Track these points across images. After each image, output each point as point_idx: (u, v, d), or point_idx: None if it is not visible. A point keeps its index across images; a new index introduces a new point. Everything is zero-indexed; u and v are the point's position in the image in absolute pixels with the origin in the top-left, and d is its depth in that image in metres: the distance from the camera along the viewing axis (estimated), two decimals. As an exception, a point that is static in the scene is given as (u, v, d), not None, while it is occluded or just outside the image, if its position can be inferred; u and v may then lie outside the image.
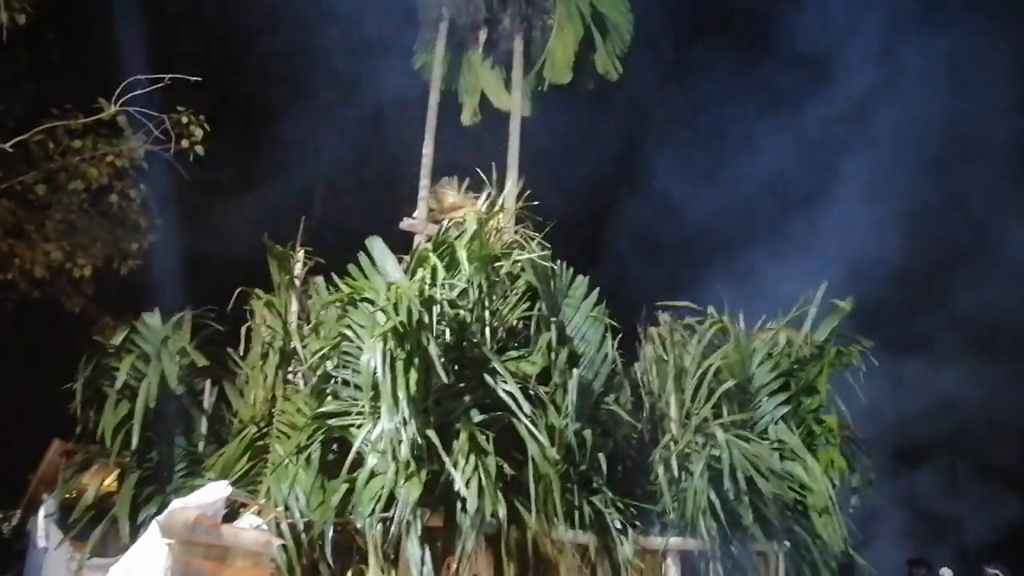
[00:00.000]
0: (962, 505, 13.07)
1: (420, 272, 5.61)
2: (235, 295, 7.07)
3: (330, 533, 5.49)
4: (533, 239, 6.78)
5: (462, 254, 5.67)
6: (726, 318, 7.65)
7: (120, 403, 7.14)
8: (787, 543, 7.26)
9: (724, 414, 7.25)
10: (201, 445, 7.40)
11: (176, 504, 2.87)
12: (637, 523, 6.42)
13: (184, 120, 8.77)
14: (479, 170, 6.59)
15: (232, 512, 4.07)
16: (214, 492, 3.13)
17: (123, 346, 7.65)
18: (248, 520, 3.92)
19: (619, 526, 6.20)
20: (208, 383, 7.65)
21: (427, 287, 5.43)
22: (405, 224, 7.44)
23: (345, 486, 5.56)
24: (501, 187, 7.22)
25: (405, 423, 5.09)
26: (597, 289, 7.11)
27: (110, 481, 7.69)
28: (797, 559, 7.31)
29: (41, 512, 9.54)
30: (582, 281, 7.07)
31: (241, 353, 7.34)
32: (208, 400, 7.63)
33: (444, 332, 5.65)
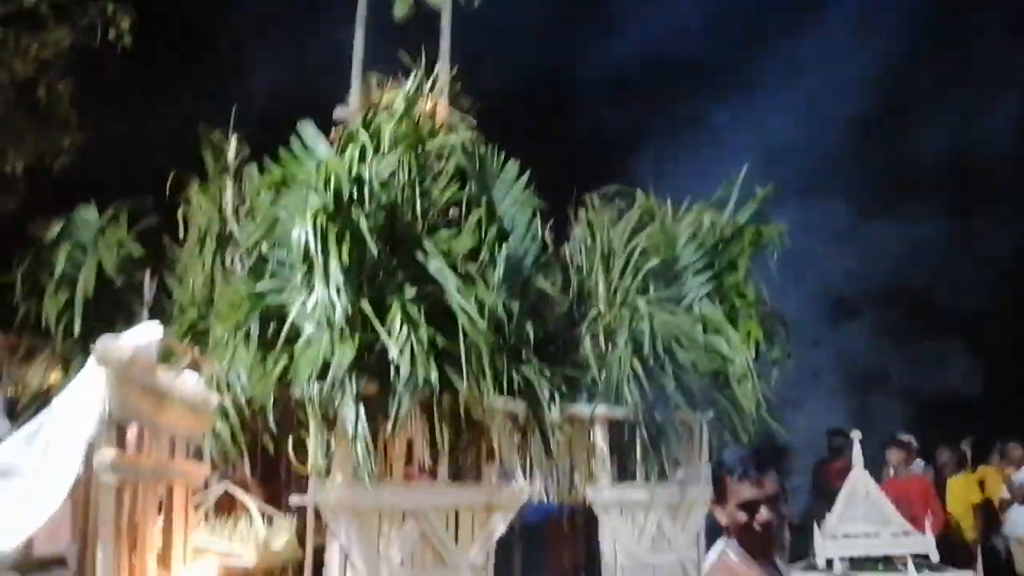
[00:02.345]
0: (898, 367, 13.52)
1: (349, 150, 5.75)
2: (169, 181, 7.17)
3: (270, 403, 5.74)
4: (463, 122, 6.93)
5: (388, 134, 5.82)
6: (652, 200, 7.96)
7: (59, 291, 7.28)
8: (710, 412, 7.75)
9: (651, 291, 7.63)
10: (168, 342, 7.59)
11: (108, 337, 3.08)
12: (565, 391, 6.78)
13: (110, 10, 8.64)
14: (406, 53, 6.66)
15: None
16: (146, 332, 3.33)
17: (59, 238, 7.74)
18: (188, 376, 4.15)
19: (548, 395, 6.55)
20: (148, 274, 7.79)
21: (355, 164, 5.59)
22: (338, 113, 7.51)
23: (284, 358, 5.79)
24: (433, 73, 7.29)
25: (338, 292, 5.31)
26: (528, 172, 7.31)
27: (56, 374, 7.84)
28: (718, 426, 7.82)
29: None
30: (513, 165, 7.25)
31: (180, 241, 7.49)
32: (149, 291, 7.78)
33: (374, 210, 5.82)
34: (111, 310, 7.61)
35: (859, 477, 8.02)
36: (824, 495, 10.23)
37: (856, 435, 8.18)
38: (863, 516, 7.79)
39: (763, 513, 2.66)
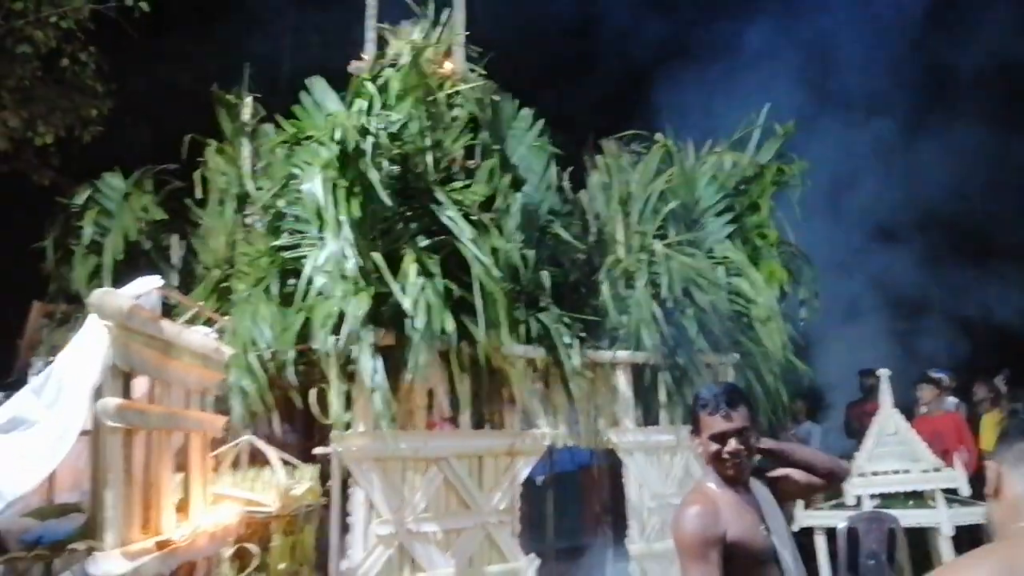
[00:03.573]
0: (945, 297, 12.90)
1: (356, 103, 5.77)
2: (185, 144, 7.25)
3: (291, 356, 5.85)
4: (475, 71, 6.89)
5: (395, 84, 5.82)
6: (671, 142, 7.88)
7: (88, 257, 7.45)
8: (735, 355, 7.72)
9: (671, 235, 7.59)
10: (169, 293, 7.75)
11: (105, 290, 3.17)
12: (585, 337, 6.81)
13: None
14: (411, 3, 6.61)
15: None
16: (144, 284, 3.43)
17: (86, 205, 7.89)
18: (197, 329, 4.25)
19: (567, 341, 6.58)
20: (176, 238, 7.93)
21: (363, 117, 5.60)
22: (354, 67, 7.51)
23: (303, 313, 5.88)
24: (441, 20, 7.21)
25: (350, 245, 5.37)
26: (543, 120, 7.27)
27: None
28: (743, 367, 7.79)
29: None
30: (526, 112, 7.22)
31: (200, 203, 7.60)
32: (177, 254, 7.93)
33: (384, 162, 5.85)
34: (140, 273, 7.76)
35: (888, 415, 7.93)
36: (856, 436, 10.16)
37: (884, 373, 8.08)
38: (892, 454, 7.74)
39: (732, 444, 2.77)
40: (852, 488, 7.59)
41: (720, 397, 2.81)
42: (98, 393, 3.12)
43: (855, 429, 10.44)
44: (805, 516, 7.48)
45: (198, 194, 7.69)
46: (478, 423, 6.41)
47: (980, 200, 13.00)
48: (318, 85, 6.41)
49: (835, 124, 10.24)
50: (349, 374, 5.77)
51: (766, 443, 3.04)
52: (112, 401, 3.02)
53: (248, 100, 7.31)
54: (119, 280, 7.45)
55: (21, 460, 3.03)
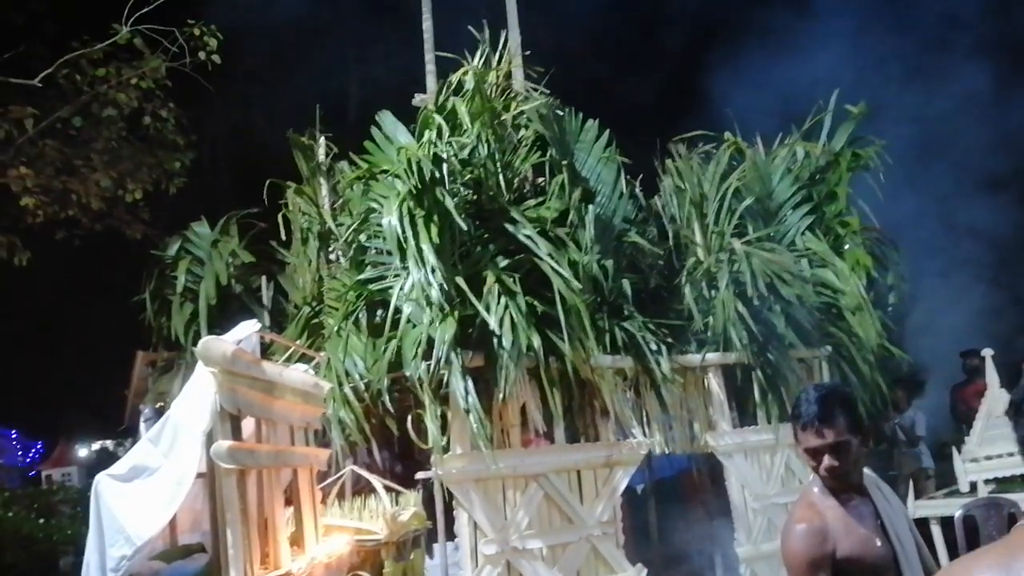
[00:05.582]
0: None
1: (426, 134, 5.90)
2: (265, 188, 7.50)
3: (385, 384, 5.98)
4: (536, 89, 6.96)
5: (462, 111, 5.93)
6: (739, 139, 7.80)
7: (184, 304, 7.76)
8: (828, 348, 7.57)
9: (750, 232, 7.50)
10: (266, 335, 8.01)
11: (209, 338, 3.32)
12: (672, 342, 6.78)
13: (196, 32, 9.11)
14: (471, 28, 6.71)
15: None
16: (245, 329, 3.58)
17: (179, 255, 8.23)
18: (296, 366, 4.41)
19: (654, 347, 6.57)
20: (264, 279, 8.20)
21: (432, 147, 5.72)
22: (418, 100, 7.65)
23: (393, 342, 6.02)
24: (499, 43, 7.29)
25: (432, 272, 5.48)
26: (607, 130, 7.29)
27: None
28: (837, 359, 7.63)
29: (141, 425, 10.41)
30: (592, 124, 7.25)
31: (284, 243, 7.85)
32: (267, 295, 8.20)
33: (459, 188, 5.97)
34: (233, 317, 8.06)
35: (996, 396, 7.63)
36: (963, 419, 9.81)
37: (988, 353, 7.80)
38: (1004, 436, 7.43)
39: (826, 460, 2.64)
40: (965, 475, 7.33)
41: (812, 410, 2.66)
42: (210, 437, 3.26)
43: (961, 413, 10.08)
44: (919, 506, 7.25)
45: (281, 235, 7.95)
46: (573, 437, 6.44)
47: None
48: (387, 119, 6.57)
49: (923, 74, 9.81)
50: (443, 397, 5.88)
51: None
52: (224, 444, 3.15)
53: (321, 140, 7.53)
54: (215, 324, 7.79)
55: (145, 505, 3.19)
